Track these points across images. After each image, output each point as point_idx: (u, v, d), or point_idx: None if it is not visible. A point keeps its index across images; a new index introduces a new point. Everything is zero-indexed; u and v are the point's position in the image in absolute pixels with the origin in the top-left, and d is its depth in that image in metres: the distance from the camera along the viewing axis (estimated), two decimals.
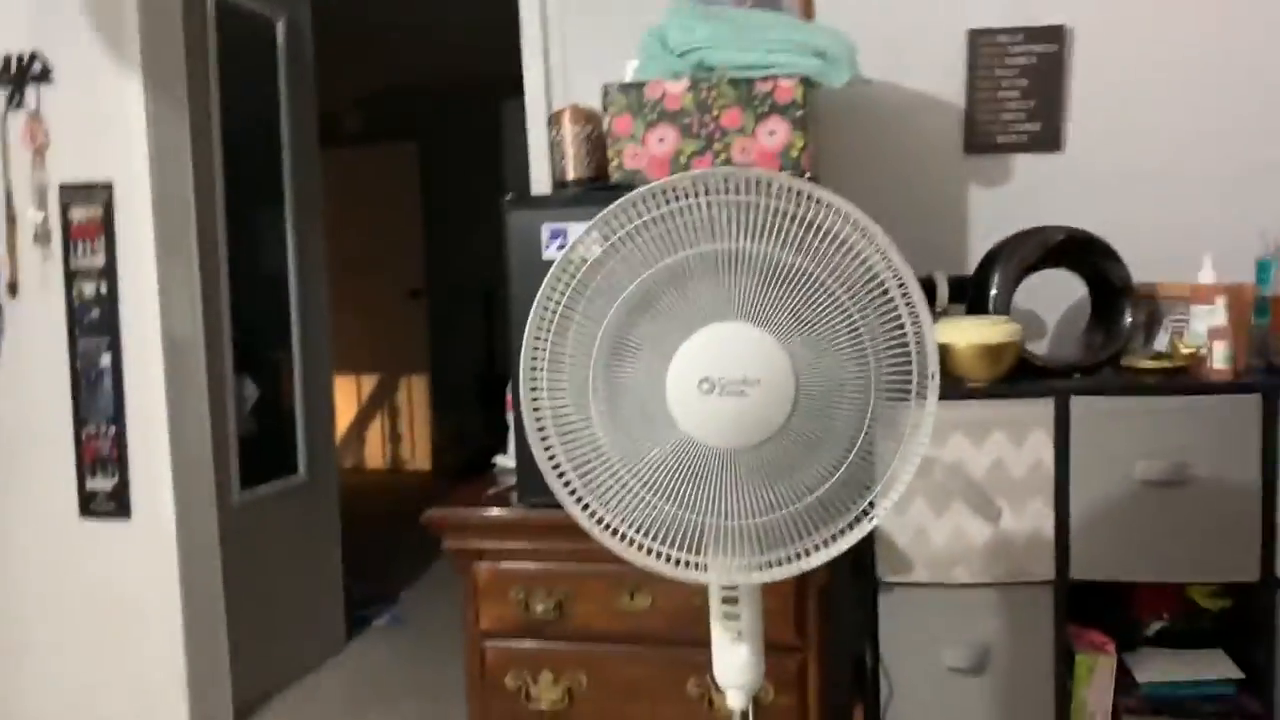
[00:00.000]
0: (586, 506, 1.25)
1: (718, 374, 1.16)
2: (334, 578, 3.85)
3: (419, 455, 7.10)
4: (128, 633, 2.94)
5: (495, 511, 1.98)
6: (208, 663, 3.02)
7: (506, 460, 2.30)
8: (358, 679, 3.57)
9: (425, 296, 6.93)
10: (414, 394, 7.08)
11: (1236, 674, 1.95)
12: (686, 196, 1.19)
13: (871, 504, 1.23)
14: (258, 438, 3.36)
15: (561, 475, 1.25)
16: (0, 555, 3.03)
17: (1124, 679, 1.98)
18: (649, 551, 1.25)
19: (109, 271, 2.88)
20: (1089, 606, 2.02)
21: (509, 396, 2.26)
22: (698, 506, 1.20)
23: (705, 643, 1.41)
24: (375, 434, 7.20)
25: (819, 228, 1.17)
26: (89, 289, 2.90)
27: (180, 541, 2.90)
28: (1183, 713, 1.93)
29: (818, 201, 1.17)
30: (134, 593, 2.93)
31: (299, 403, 3.59)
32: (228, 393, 3.19)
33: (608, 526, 1.26)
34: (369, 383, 7.16)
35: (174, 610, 2.91)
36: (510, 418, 2.25)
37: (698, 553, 1.23)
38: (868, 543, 1.93)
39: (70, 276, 2.91)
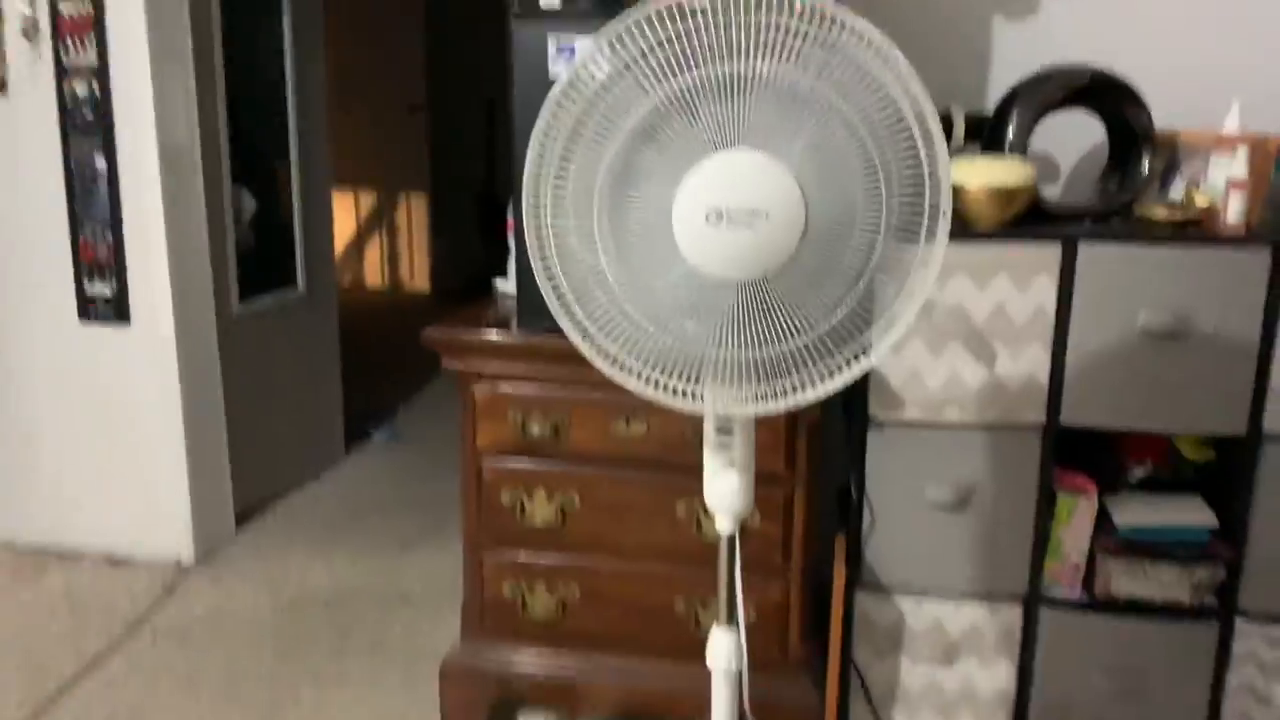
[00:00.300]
0: (586, 333, 1.25)
1: (726, 205, 1.13)
2: (333, 391, 3.90)
3: (418, 275, 7.09)
4: (130, 436, 3.00)
5: (494, 335, 1.99)
6: (208, 467, 3.10)
7: (506, 283, 2.29)
8: (355, 490, 3.67)
9: (425, 111, 6.75)
10: (413, 213, 7.01)
11: (1212, 521, 2.00)
12: (703, 14, 1.13)
13: (871, 342, 1.23)
14: (256, 251, 3.34)
15: (562, 301, 1.24)
16: (4, 357, 3.05)
17: (1103, 521, 2.03)
18: (647, 380, 1.25)
19: (101, 71, 2.79)
20: (1075, 451, 2.06)
21: (509, 218, 2.23)
22: (698, 337, 1.20)
23: (696, 469, 1.44)
24: (374, 252, 7.17)
25: (839, 53, 1.12)
26: (81, 89, 2.81)
27: (180, 348, 2.93)
28: (1156, 555, 1.99)
29: (840, 25, 1.11)
30: (135, 397, 2.97)
31: (297, 217, 3.55)
32: (225, 202, 3.15)
33: (607, 354, 1.25)
34: (367, 199, 7.07)
35: (175, 415, 2.96)
36: (511, 240, 2.23)
37: (695, 383, 1.23)
38: (861, 380, 1.94)
39: (61, 74, 2.82)
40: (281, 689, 2.40)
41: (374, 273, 7.19)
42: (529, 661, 2.12)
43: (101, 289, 2.92)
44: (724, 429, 1.34)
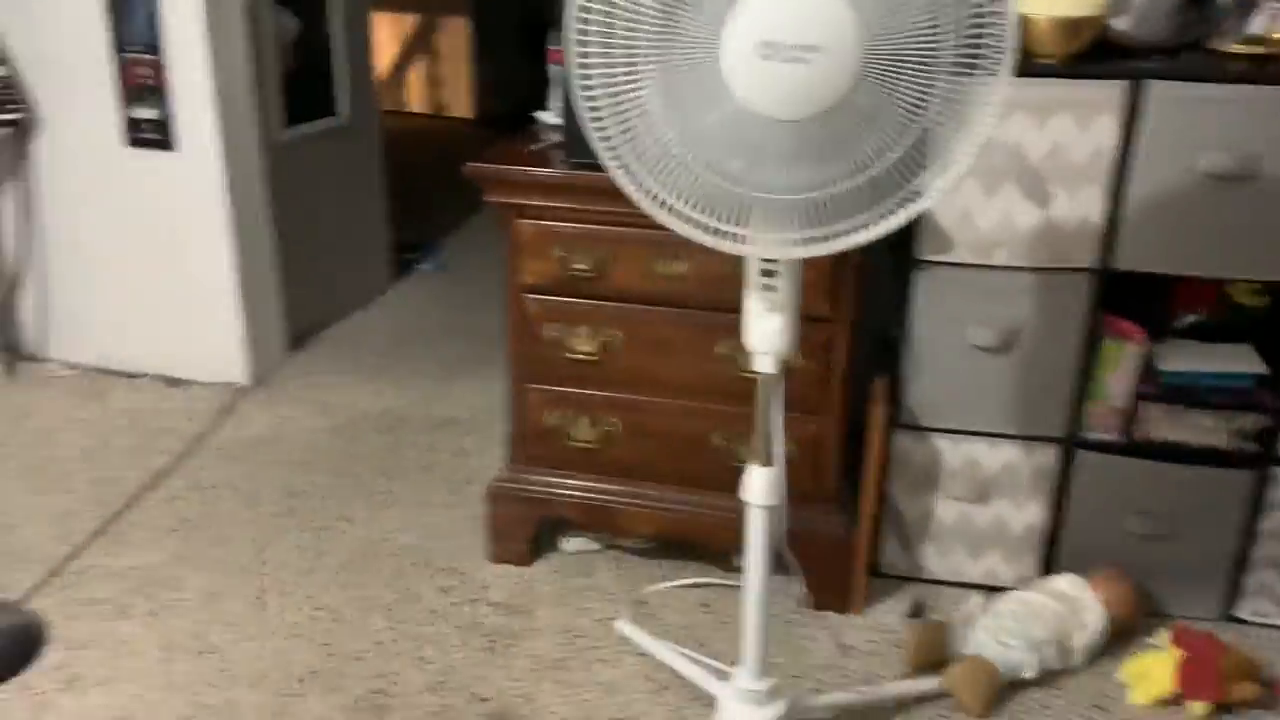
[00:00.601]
0: (629, 170, 1.23)
1: (780, 37, 1.08)
2: (378, 220, 3.91)
3: (460, 101, 6.97)
4: (183, 260, 3.05)
5: (538, 170, 1.96)
6: (259, 292, 3.15)
7: (547, 115, 2.24)
8: (402, 319, 3.73)
9: None
10: (455, 38, 6.82)
11: (1261, 368, 1.98)
12: None
13: (924, 185, 1.20)
14: (298, 75, 3.29)
15: (607, 139, 1.21)
16: (53, 182, 3.08)
17: (1149, 367, 2.02)
18: (691, 221, 1.23)
19: None
20: (1126, 298, 2.03)
21: (551, 47, 2.16)
22: (745, 179, 1.17)
23: (737, 308, 1.44)
24: (415, 77, 7.03)
25: None
26: None
27: (226, 173, 2.93)
28: (1198, 402, 1.99)
29: None
30: (186, 222, 3.00)
31: (338, 40, 3.48)
32: (267, 24, 3.08)
33: (650, 192, 1.24)
34: (408, 23, 6.88)
35: (225, 240, 2.99)
36: (552, 70, 2.17)
37: (741, 224, 1.21)
38: (910, 221, 1.91)
39: None
40: (336, 506, 2.51)
41: (416, 98, 7.08)
42: (572, 487, 2.19)
43: (146, 113, 2.90)
44: (769, 271, 1.33)
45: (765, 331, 1.38)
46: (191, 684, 1.92)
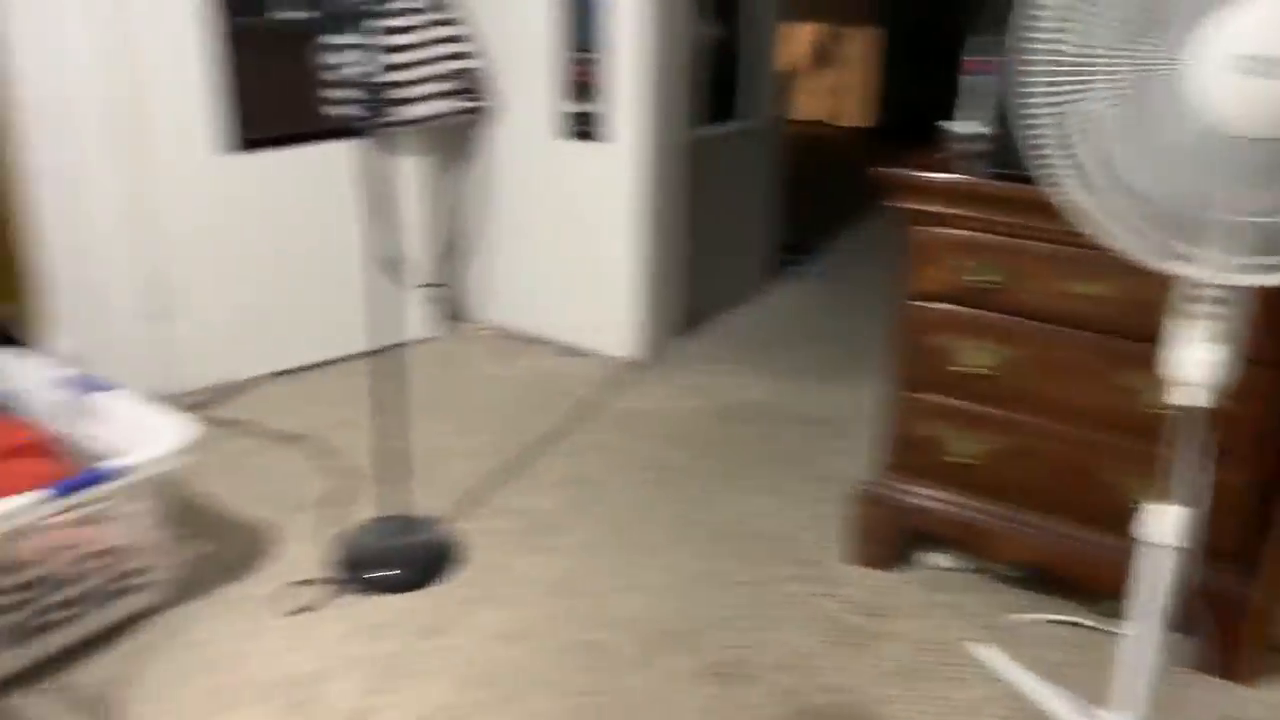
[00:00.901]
0: (1069, 186, 1.21)
1: (1269, 51, 1.03)
2: (769, 222, 4.06)
3: (856, 110, 7.01)
4: (596, 244, 3.34)
5: (957, 177, 1.96)
6: (663, 279, 3.38)
7: (957, 125, 2.22)
8: (779, 317, 3.85)
9: None
10: (860, 47, 6.87)
11: None
12: None
13: None
14: (711, 79, 3.49)
15: (1047, 152, 1.20)
16: (500, 165, 3.48)
17: None
18: (1136, 239, 1.19)
19: None
20: None
21: (967, 57, 2.14)
22: (1204, 198, 1.12)
23: (1151, 337, 1.37)
24: (817, 84, 7.16)
25: None
26: None
27: (646, 168, 3.18)
28: None
29: None
30: (603, 210, 3.29)
31: (749, 47, 3.65)
32: (696, 29, 3.30)
33: (1091, 210, 1.21)
34: (815, 32, 7.02)
35: (637, 230, 3.25)
36: (964, 80, 2.15)
37: (1190, 246, 1.16)
38: None
39: None
40: (705, 484, 2.65)
41: (812, 105, 7.21)
42: (942, 501, 2.17)
43: (581, 108, 3.21)
44: (1214, 298, 1.25)
45: (1200, 362, 1.29)
46: (572, 619, 2.12)
